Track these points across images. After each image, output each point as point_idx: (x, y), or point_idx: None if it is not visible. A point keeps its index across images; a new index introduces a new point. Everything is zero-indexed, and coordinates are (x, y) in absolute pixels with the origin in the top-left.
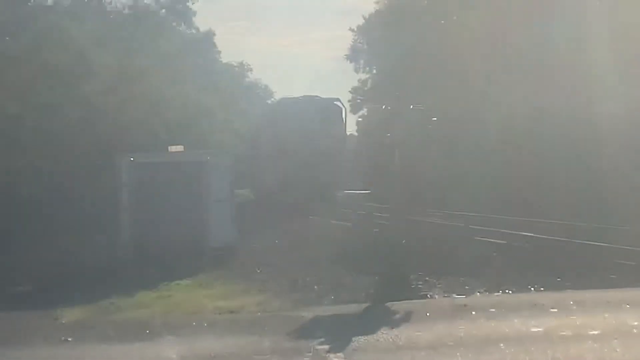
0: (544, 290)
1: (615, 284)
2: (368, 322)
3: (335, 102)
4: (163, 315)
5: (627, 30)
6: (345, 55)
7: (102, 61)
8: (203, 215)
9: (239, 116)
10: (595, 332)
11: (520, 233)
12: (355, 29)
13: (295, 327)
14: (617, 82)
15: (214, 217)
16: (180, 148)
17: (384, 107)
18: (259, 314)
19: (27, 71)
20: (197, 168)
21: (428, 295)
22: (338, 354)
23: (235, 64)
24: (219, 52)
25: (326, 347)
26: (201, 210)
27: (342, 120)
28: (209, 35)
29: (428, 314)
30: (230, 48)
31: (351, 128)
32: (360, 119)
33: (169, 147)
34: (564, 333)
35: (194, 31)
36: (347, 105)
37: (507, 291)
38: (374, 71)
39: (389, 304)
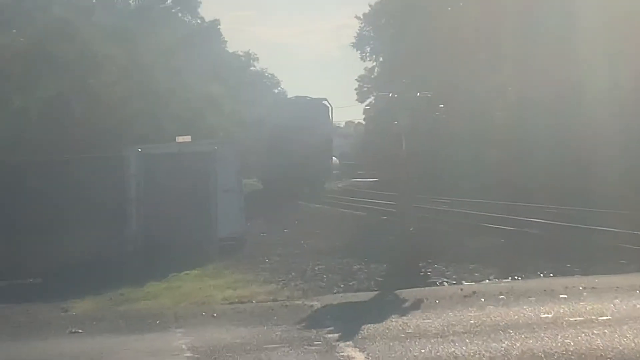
0: (553, 276)
1: (625, 269)
2: (377, 310)
3: (323, 102)
4: (172, 306)
5: (614, 19)
6: (352, 43)
7: (108, 53)
8: (211, 206)
9: (246, 106)
10: (606, 318)
11: (528, 219)
12: (362, 17)
13: (304, 316)
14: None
15: (222, 207)
16: (187, 139)
17: (390, 94)
18: (269, 303)
19: (33, 64)
20: (204, 158)
21: (437, 283)
22: (348, 342)
23: (241, 54)
24: (225, 41)
25: (336, 335)
26: (209, 201)
27: (329, 117)
28: (215, 24)
29: (437, 301)
30: (237, 37)
31: (358, 116)
32: (367, 107)
33: (177, 138)
34: (574, 319)
35: (199, 21)
36: (353, 93)
37: (516, 278)
38: (381, 59)
39: (398, 291)
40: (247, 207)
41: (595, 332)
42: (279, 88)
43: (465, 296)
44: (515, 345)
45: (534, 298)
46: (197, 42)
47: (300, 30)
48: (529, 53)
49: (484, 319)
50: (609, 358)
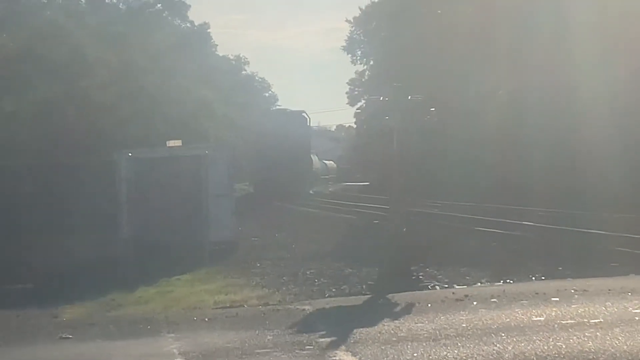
0: (545, 279)
1: (617, 272)
2: (369, 314)
3: (302, 114)
4: (164, 311)
5: (608, 18)
6: (342, 46)
7: (99, 56)
8: (202, 210)
9: (237, 109)
10: (597, 321)
11: (520, 222)
12: (352, 21)
13: (296, 320)
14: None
15: (213, 211)
16: (178, 143)
17: (381, 98)
18: (260, 307)
19: (23, 68)
20: (195, 163)
21: (429, 286)
22: (340, 347)
23: (231, 58)
24: (216, 45)
25: (328, 339)
26: (200, 205)
27: (307, 127)
28: (205, 28)
29: (429, 305)
30: (227, 41)
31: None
32: (358, 111)
33: (167, 142)
34: (566, 322)
35: (189, 25)
36: (344, 96)
37: (508, 281)
38: (371, 62)
39: (390, 295)
40: (239, 211)
41: (587, 334)
42: (270, 92)
43: (457, 300)
44: (507, 348)
45: (526, 301)
46: (187, 45)
47: (290, 33)
48: (521, 54)
49: (476, 322)
50: None
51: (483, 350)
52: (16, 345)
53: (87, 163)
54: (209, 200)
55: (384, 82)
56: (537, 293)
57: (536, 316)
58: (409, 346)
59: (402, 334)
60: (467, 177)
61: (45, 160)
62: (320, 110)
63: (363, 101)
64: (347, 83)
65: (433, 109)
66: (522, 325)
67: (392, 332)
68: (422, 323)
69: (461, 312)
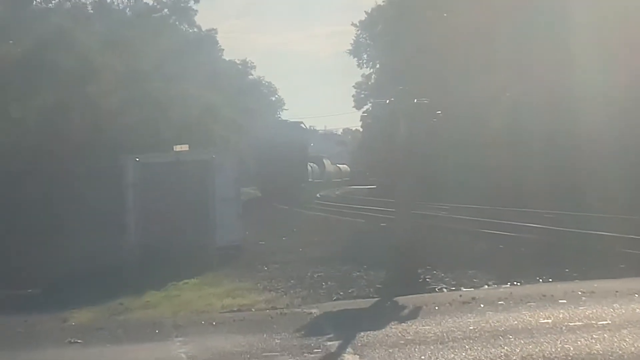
0: (552, 281)
1: (624, 274)
2: (377, 317)
3: (300, 124)
4: (172, 315)
5: (608, 22)
6: (348, 50)
7: (106, 62)
8: (209, 214)
9: (244, 114)
10: (605, 322)
11: (527, 224)
12: (358, 24)
13: (304, 323)
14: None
15: (220, 215)
16: (185, 147)
17: (387, 101)
18: (268, 311)
19: (30, 74)
20: (202, 167)
21: (436, 289)
22: (347, 350)
23: (238, 62)
24: (222, 50)
25: (335, 343)
26: (207, 209)
27: (305, 137)
28: (212, 33)
29: (436, 308)
30: (233, 46)
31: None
32: (364, 114)
33: (174, 147)
34: (574, 324)
35: (196, 30)
36: (351, 100)
37: (515, 283)
38: (378, 66)
39: (397, 298)
40: (246, 215)
41: (594, 336)
42: (276, 96)
43: (464, 302)
44: (515, 350)
45: (533, 303)
46: (194, 50)
47: (296, 37)
48: (523, 57)
49: (483, 324)
50: None
51: (490, 353)
52: (24, 350)
53: (93, 168)
54: (215, 204)
55: (390, 85)
56: (544, 295)
57: (544, 318)
58: (416, 349)
59: (409, 337)
60: (472, 180)
61: (51, 165)
62: (326, 114)
63: (369, 104)
64: (353, 86)
65: (439, 112)
66: (529, 328)
67: (399, 335)
68: (430, 326)
69: (468, 315)
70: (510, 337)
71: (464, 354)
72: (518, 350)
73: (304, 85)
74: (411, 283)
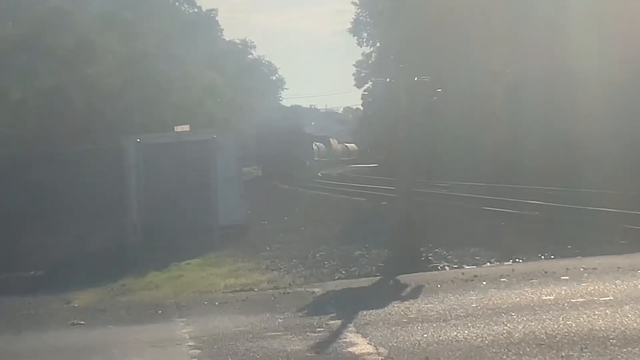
0: (554, 258)
1: (626, 250)
2: (379, 296)
3: (296, 109)
4: (174, 296)
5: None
6: (348, 29)
7: (106, 43)
8: (211, 194)
9: (244, 94)
10: (607, 299)
11: (528, 201)
12: (358, 2)
13: (306, 303)
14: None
15: (222, 195)
16: (186, 128)
17: (388, 80)
18: (270, 291)
19: (30, 56)
20: (203, 147)
21: (438, 267)
22: (350, 328)
23: (238, 42)
24: (222, 30)
25: (338, 322)
26: (209, 190)
27: (301, 119)
28: (212, 13)
29: (439, 286)
30: (233, 26)
31: (357, 102)
32: (365, 93)
33: (175, 128)
34: (576, 300)
35: (196, 10)
36: (351, 78)
37: (517, 260)
38: (378, 44)
39: (399, 276)
40: (248, 194)
41: (596, 312)
42: (277, 75)
43: (466, 280)
44: (517, 327)
45: (535, 280)
46: (194, 31)
47: (296, 16)
48: (523, 35)
49: (486, 302)
50: (611, 339)
51: (493, 330)
52: (28, 332)
53: (95, 150)
54: (217, 184)
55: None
56: (546, 272)
57: (546, 295)
58: (419, 327)
59: (412, 315)
60: (472, 157)
61: (53, 148)
62: (327, 92)
63: (370, 83)
64: (353, 65)
65: (439, 90)
66: (531, 305)
67: (402, 313)
68: (432, 304)
69: (471, 292)
70: (513, 314)
71: (466, 331)
72: (520, 327)
73: (304, 64)
74: (413, 261)
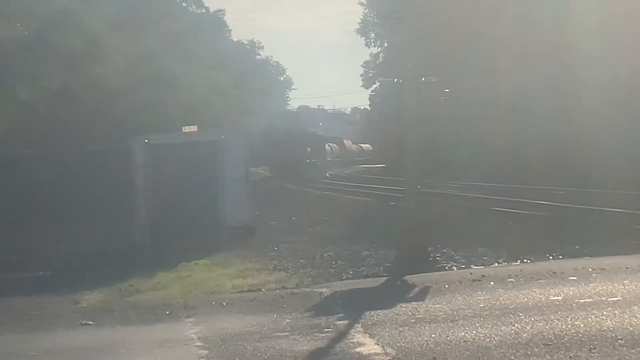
0: (562, 258)
1: (635, 250)
2: (387, 296)
3: (298, 114)
4: (182, 296)
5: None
6: (356, 29)
7: (113, 43)
8: (219, 195)
9: (252, 94)
10: (615, 299)
11: (536, 202)
12: (365, 2)
13: (314, 303)
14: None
15: (229, 196)
16: (194, 128)
17: (395, 80)
18: (278, 291)
19: (38, 56)
20: (211, 148)
21: (446, 267)
22: (358, 329)
23: (246, 42)
24: (230, 30)
25: (346, 322)
26: (217, 190)
27: (304, 123)
28: (220, 14)
29: (447, 286)
30: (241, 26)
31: (364, 102)
32: (372, 93)
33: (183, 128)
34: (584, 300)
35: (203, 10)
36: (359, 79)
37: (525, 260)
38: (385, 44)
39: (407, 277)
40: (255, 195)
41: (605, 313)
42: (285, 76)
43: (474, 280)
44: (525, 328)
45: (543, 280)
46: (202, 31)
47: (303, 16)
48: (528, 38)
49: (494, 302)
50: (620, 339)
51: (501, 331)
52: (37, 332)
53: (103, 150)
54: (225, 184)
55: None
56: (554, 272)
57: (554, 295)
58: (426, 327)
59: (419, 316)
60: (480, 157)
61: (60, 148)
62: (335, 93)
63: (377, 83)
64: (361, 65)
65: (447, 90)
66: (540, 305)
67: (409, 313)
68: (440, 304)
69: (478, 293)
70: (521, 314)
71: (474, 331)
72: (528, 328)
73: (312, 65)
74: (421, 261)
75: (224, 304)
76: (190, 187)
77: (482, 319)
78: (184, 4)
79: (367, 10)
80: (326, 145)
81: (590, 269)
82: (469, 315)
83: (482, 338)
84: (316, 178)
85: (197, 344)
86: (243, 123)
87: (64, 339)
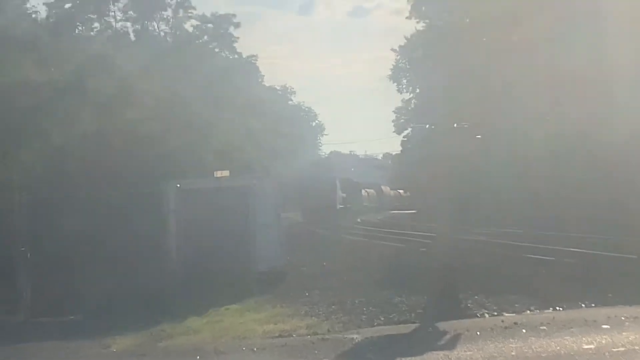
0: (595, 306)
1: None
2: (418, 343)
3: (329, 160)
4: (213, 341)
5: None
6: (388, 75)
7: (146, 88)
8: (250, 240)
9: (284, 139)
10: None
11: (569, 249)
12: (397, 49)
13: (345, 349)
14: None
15: (260, 241)
16: (226, 173)
17: (427, 126)
18: (309, 337)
19: (71, 101)
20: (243, 193)
21: (478, 314)
22: None
23: (278, 88)
24: (262, 76)
25: None
26: (248, 235)
27: (333, 170)
28: (252, 59)
29: (478, 333)
30: (273, 72)
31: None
32: (404, 139)
33: (215, 173)
34: (617, 349)
35: (236, 56)
36: (391, 125)
37: (557, 308)
38: (417, 90)
39: (438, 323)
40: (287, 240)
41: None
42: (317, 121)
43: (506, 327)
44: None
45: (575, 329)
46: (234, 76)
47: (336, 63)
48: (565, 78)
49: (526, 350)
50: None
51: None
52: None
53: (135, 194)
54: (256, 229)
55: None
56: (587, 320)
57: (586, 344)
58: None
59: None
60: (513, 203)
61: (93, 192)
62: (367, 138)
63: (409, 129)
64: (393, 111)
65: (479, 136)
66: (572, 354)
67: None
68: (471, 352)
69: (510, 340)
70: None
71: None
72: None
73: (344, 110)
74: (452, 308)
75: (255, 349)
76: (222, 231)
77: None
78: (217, 50)
79: (399, 56)
80: (362, 191)
81: (623, 318)
82: None
83: None
84: (348, 224)
85: None
86: (274, 168)
87: None
